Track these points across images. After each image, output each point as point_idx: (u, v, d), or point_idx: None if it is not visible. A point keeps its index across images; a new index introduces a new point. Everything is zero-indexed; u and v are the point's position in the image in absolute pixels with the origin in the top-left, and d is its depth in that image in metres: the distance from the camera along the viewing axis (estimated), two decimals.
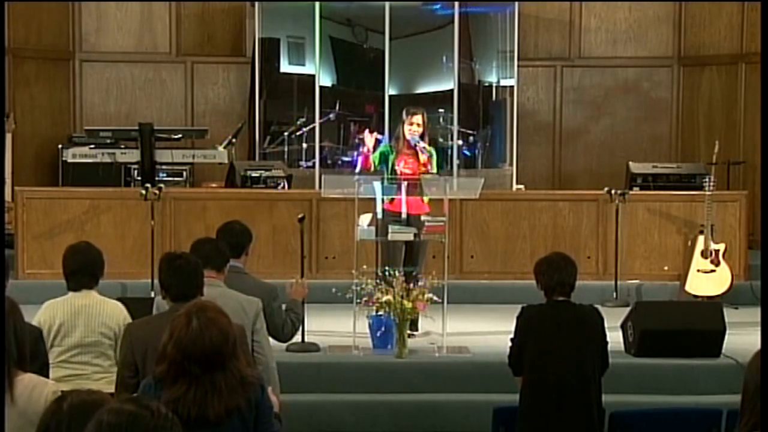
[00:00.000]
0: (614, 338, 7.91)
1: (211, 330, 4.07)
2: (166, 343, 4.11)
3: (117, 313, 5.92)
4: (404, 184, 8.67)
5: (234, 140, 12.30)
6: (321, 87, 12.87)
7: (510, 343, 6.31)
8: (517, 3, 13.10)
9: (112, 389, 5.09)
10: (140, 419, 2.96)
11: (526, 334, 6.18)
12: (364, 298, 8.21)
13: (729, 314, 8.68)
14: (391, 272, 8.22)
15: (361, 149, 9.06)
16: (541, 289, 6.22)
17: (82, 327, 5.88)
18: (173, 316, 4.26)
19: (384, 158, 8.93)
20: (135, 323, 5.25)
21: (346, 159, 12.86)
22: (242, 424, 4.17)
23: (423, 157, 8.80)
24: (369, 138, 8.93)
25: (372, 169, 8.97)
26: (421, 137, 8.85)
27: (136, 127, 12.21)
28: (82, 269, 6.00)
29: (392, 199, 8.78)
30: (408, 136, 8.86)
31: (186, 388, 4.05)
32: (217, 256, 5.86)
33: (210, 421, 4.06)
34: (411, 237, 8.69)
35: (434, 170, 8.86)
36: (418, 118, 8.87)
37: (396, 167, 8.86)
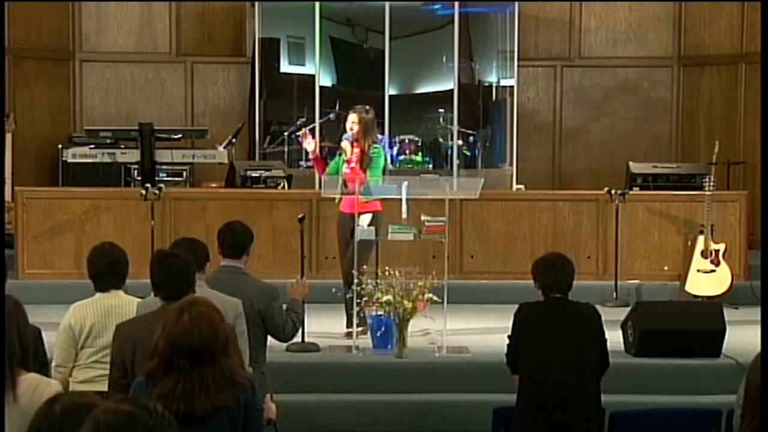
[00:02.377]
0: (614, 338, 7.92)
1: (201, 324, 4.09)
2: (157, 338, 4.14)
3: None
4: (354, 185, 8.70)
5: (234, 140, 12.30)
6: (321, 87, 12.87)
7: (507, 341, 6.31)
8: (517, 3, 13.10)
9: None
10: (137, 419, 2.95)
11: (523, 331, 6.18)
12: (364, 298, 8.22)
13: (729, 314, 8.68)
14: (391, 272, 8.23)
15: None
16: (539, 289, 6.22)
17: (113, 328, 5.88)
18: (167, 311, 4.27)
19: (338, 165, 8.93)
20: (124, 323, 5.25)
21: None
22: (231, 424, 4.17)
23: (345, 155, 8.80)
24: (307, 142, 8.98)
25: (323, 173, 9.02)
26: (357, 140, 8.81)
27: (136, 127, 12.21)
28: (108, 270, 6.02)
29: (341, 200, 8.85)
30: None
31: (175, 382, 4.07)
32: (200, 257, 5.88)
33: (197, 417, 4.07)
34: (411, 237, 8.71)
35: (370, 174, 8.74)
36: (352, 116, 8.89)
37: (342, 167, 8.89)
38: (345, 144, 8.85)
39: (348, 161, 8.82)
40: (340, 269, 9.08)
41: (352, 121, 8.88)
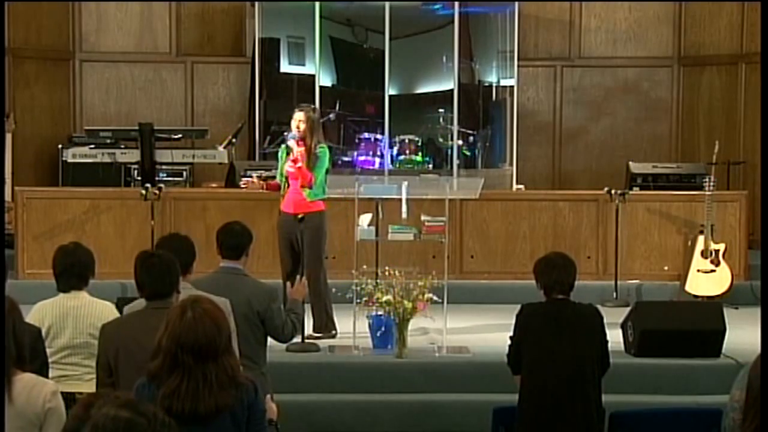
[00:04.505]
0: (614, 338, 7.91)
1: (204, 321, 4.10)
2: (160, 337, 4.14)
3: (106, 314, 5.86)
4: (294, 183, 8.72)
5: (234, 140, 12.31)
6: (321, 87, 12.87)
7: (509, 342, 6.32)
8: (517, 3, 13.10)
9: None
10: (136, 426, 2.94)
11: (525, 332, 6.18)
12: (364, 298, 8.22)
13: (729, 314, 8.67)
14: (391, 272, 8.23)
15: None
16: (540, 289, 6.22)
17: (71, 329, 5.87)
18: (170, 310, 4.27)
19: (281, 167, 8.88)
20: (109, 323, 5.25)
21: (346, 159, 12.86)
22: (233, 424, 4.18)
23: (292, 154, 8.72)
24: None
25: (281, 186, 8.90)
26: (303, 138, 8.72)
27: (136, 127, 12.21)
28: (69, 270, 5.98)
29: (282, 198, 8.82)
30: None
31: (180, 380, 4.07)
32: (187, 255, 5.83)
33: (201, 416, 4.07)
34: (411, 237, 8.71)
35: (317, 174, 8.68)
36: (299, 115, 8.77)
37: (285, 167, 8.82)
38: (291, 143, 8.74)
39: (294, 161, 8.70)
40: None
41: (299, 119, 8.74)
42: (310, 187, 8.67)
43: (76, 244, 6.23)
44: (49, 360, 5.84)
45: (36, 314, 5.95)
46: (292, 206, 8.72)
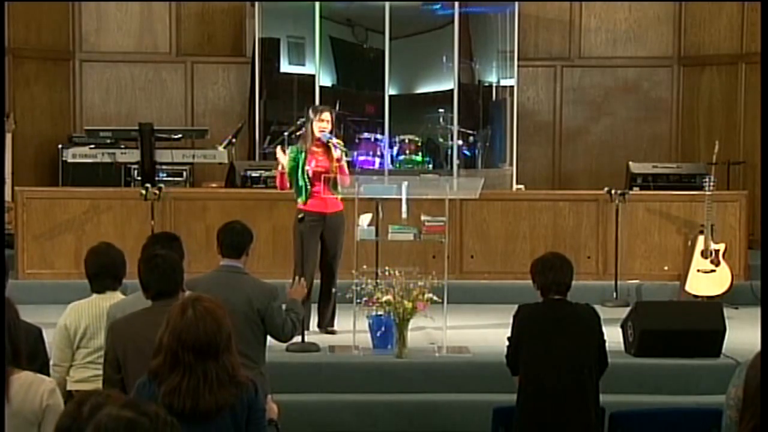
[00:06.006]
0: (614, 338, 7.93)
1: (205, 319, 4.13)
2: (161, 335, 4.16)
3: None
4: (320, 182, 8.74)
5: (234, 140, 12.31)
6: (321, 87, 12.87)
7: (507, 343, 6.32)
8: (517, 3, 13.10)
9: None
10: (139, 426, 2.94)
11: (523, 333, 6.19)
12: (364, 298, 8.22)
13: (729, 314, 8.68)
14: (391, 272, 8.24)
15: (276, 169, 9.02)
16: (537, 289, 6.22)
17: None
18: (171, 308, 4.28)
19: (295, 169, 8.84)
20: (117, 321, 5.28)
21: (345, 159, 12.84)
22: (234, 423, 4.20)
23: (336, 153, 8.74)
24: (282, 157, 8.89)
25: (289, 186, 8.88)
26: (330, 134, 8.80)
27: (136, 127, 12.22)
28: (103, 272, 6.04)
29: (306, 200, 8.79)
30: (318, 134, 8.80)
31: (180, 377, 4.10)
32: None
33: (202, 414, 4.09)
34: (411, 237, 8.72)
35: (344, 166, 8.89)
36: (326, 115, 8.83)
37: (307, 167, 8.80)
38: (335, 140, 8.79)
39: (338, 159, 8.75)
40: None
41: (327, 119, 8.81)
42: (346, 185, 8.73)
43: (107, 244, 6.27)
44: (86, 360, 5.93)
45: (72, 315, 5.99)
46: (327, 206, 8.77)
